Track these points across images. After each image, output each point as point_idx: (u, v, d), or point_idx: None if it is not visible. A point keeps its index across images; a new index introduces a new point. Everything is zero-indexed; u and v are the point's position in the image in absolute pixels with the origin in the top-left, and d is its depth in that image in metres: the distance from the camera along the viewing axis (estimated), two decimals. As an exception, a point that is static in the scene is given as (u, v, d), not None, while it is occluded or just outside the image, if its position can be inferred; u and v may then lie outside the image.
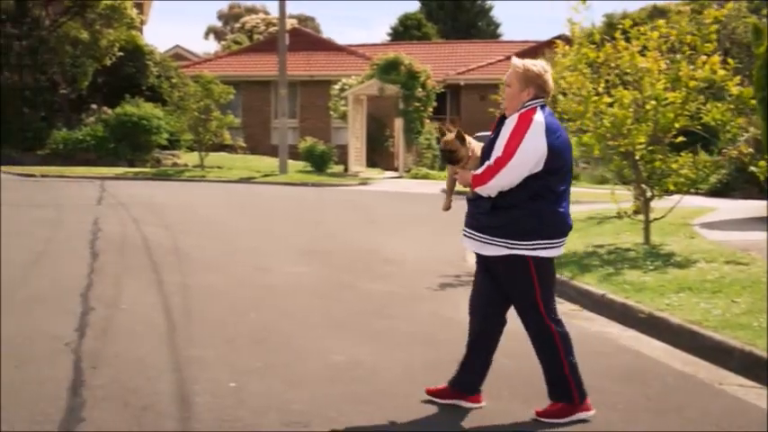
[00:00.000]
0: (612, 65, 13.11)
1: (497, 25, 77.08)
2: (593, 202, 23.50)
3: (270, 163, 36.32)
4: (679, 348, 8.07)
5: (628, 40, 12.95)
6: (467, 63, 44.64)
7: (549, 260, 5.97)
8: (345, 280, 11.35)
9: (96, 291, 9.92)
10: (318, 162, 35.14)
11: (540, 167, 5.72)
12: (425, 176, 34.19)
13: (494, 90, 35.14)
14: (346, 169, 35.41)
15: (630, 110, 12.72)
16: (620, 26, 13.09)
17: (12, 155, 34.42)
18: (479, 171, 5.81)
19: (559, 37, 29.61)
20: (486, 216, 5.87)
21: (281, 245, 14.53)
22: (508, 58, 48.21)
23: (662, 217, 13.77)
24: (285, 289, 10.68)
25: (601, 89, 13.09)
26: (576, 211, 20.70)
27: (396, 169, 37.28)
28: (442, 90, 41.06)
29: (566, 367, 5.96)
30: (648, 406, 6.24)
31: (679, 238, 14.05)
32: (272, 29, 64.67)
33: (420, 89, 36.28)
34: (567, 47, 13.34)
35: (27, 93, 37.17)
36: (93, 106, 40.25)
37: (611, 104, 12.85)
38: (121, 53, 39.03)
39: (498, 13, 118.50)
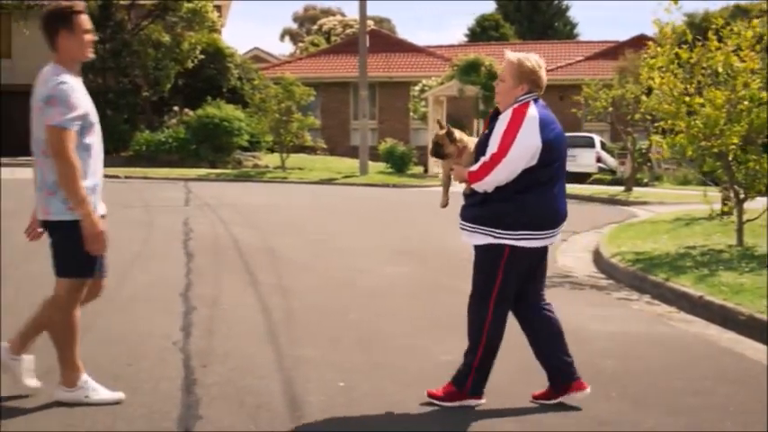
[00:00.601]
0: (704, 65, 13.00)
1: (574, 25, 76.80)
2: (678, 203, 23.37)
3: (350, 164, 36.51)
4: (781, 351, 8.00)
5: (720, 39, 12.84)
6: (545, 63, 44.30)
7: (532, 252, 5.97)
8: (442, 281, 11.36)
9: (196, 291, 10.06)
10: (398, 163, 35.27)
11: (534, 161, 5.79)
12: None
13: (573, 91, 35.03)
14: (426, 170, 35.46)
15: (723, 110, 12.61)
16: (714, 26, 12.96)
17: (96, 156, 34.97)
18: (475, 167, 5.87)
19: (639, 37, 29.28)
20: (477, 207, 5.95)
21: (373, 246, 14.58)
22: (588, 58, 47.80)
23: (756, 218, 13.63)
24: (384, 289, 10.72)
25: (692, 89, 12.99)
26: (661, 211, 20.72)
27: (475, 170, 37.23)
28: (522, 90, 40.84)
29: (477, 359, 6.05)
30: (762, 409, 6.17)
31: (772, 239, 13.87)
32: (349, 31, 64.94)
33: (500, 90, 36.13)
34: (658, 48, 13.22)
35: (110, 95, 37.82)
36: (175, 108, 40.86)
37: (702, 105, 12.75)
38: (202, 56, 39.63)
39: (574, 13, 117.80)
